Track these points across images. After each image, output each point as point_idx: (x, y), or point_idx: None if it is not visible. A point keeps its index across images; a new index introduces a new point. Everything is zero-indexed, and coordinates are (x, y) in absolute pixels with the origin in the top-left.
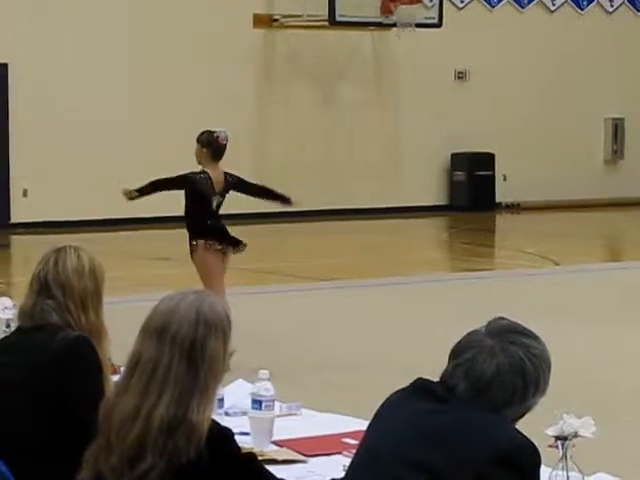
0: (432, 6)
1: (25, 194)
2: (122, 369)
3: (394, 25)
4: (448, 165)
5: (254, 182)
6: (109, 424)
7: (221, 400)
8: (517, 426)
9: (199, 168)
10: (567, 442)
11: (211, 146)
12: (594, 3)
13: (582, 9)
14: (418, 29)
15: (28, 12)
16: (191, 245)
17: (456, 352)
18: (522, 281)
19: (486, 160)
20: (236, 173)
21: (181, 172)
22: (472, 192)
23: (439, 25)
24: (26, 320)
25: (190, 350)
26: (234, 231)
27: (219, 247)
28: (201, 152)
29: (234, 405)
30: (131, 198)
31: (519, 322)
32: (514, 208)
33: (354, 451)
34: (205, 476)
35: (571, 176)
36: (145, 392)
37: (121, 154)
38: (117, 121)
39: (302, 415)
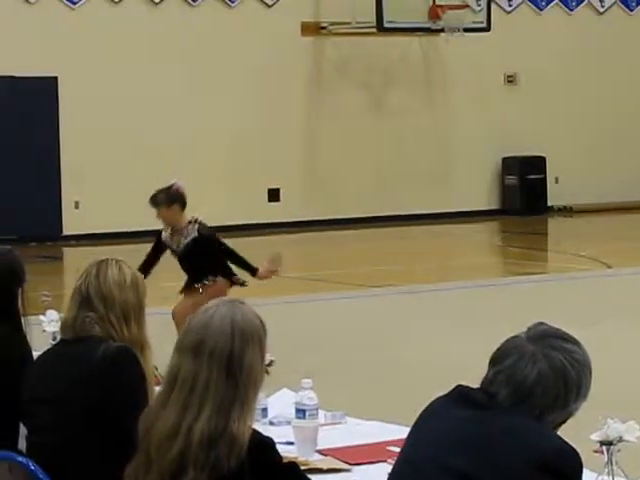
0: (480, 10)
1: (77, 206)
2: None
3: (442, 30)
4: (499, 169)
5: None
6: (149, 440)
7: (265, 410)
8: (561, 431)
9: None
10: (612, 447)
11: (180, 199)
12: None
13: (631, 10)
14: (466, 34)
15: (77, 25)
16: (203, 283)
17: (496, 359)
18: (576, 284)
19: (537, 163)
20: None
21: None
22: (524, 196)
23: (487, 29)
24: (68, 332)
25: (228, 363)
26: (285, 239)
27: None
28: (170, 211)
29: (278, 414)
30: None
31: (559, 327)
32: (566, 211)
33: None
34: None
35: (623, 178)
36: (185, 407)
37: (172, 165)
38: (167, 132)
39: (347, 423)
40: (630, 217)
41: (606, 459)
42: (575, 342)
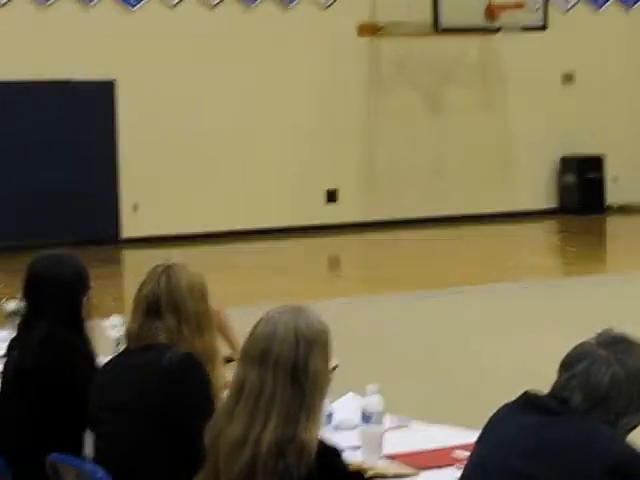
0: (537, 9)
1: (135, 209)
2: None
3: (499, 30)
4: (558, 168)
5: None
6: (216, 451)
7: (330, 415)
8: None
9: None
10: None
11: None
12: None
13: None
14: (523, 33)
15: (134, 28)
16: None
17: (568, 364)
18: (635, 285)
19: (596, 162)
20: None
21: None
22: (582, 195)
23: (544, 28)
24: (133, 342)
25: (294, 371)
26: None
27: None
28: None
29: (344, 420)
30: None
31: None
32: (625, 211)
33: (465, 464)
34: None
35: None
36: (252, 417)
37: (230, 167)
38: (225, 134)
39: (412, 428)
40: None
41: None
42: None
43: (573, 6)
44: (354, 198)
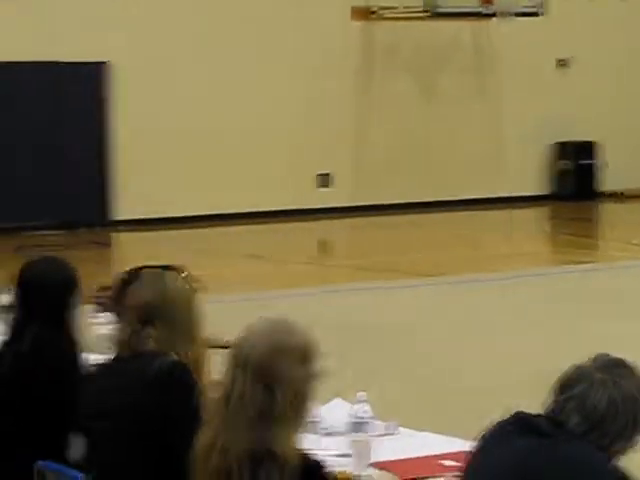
0: None
1: (125, 191)
2: None
3: (494, 15)
4: (550, 154)
5: None
6: (194, 456)
7: (318, 421)
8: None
9: None
10: None
11: None
12: None
13: None
14: (518, 18)
15: (129, 10)
16: None
17: (565, 386)
18: (627, 273)
19: (588, 148)
20: None
21: None
22: (574, 181)
23: (539, 14)
24: (124, 350)
25: (262, 375)
26: (335, 225)
27: None
28: None
29: (331, 425)
30: None
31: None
32: (618, 197)
33: (453, 474)
34: None
35: None
36: (223, 421)
37: (221, 150)
38: (217, 117)
39: (400, 434)
40: None
41: None
42: None
43: None
44: (346, 182)
